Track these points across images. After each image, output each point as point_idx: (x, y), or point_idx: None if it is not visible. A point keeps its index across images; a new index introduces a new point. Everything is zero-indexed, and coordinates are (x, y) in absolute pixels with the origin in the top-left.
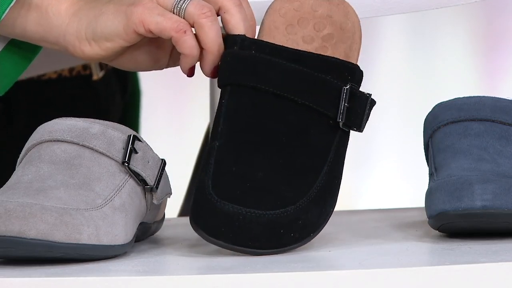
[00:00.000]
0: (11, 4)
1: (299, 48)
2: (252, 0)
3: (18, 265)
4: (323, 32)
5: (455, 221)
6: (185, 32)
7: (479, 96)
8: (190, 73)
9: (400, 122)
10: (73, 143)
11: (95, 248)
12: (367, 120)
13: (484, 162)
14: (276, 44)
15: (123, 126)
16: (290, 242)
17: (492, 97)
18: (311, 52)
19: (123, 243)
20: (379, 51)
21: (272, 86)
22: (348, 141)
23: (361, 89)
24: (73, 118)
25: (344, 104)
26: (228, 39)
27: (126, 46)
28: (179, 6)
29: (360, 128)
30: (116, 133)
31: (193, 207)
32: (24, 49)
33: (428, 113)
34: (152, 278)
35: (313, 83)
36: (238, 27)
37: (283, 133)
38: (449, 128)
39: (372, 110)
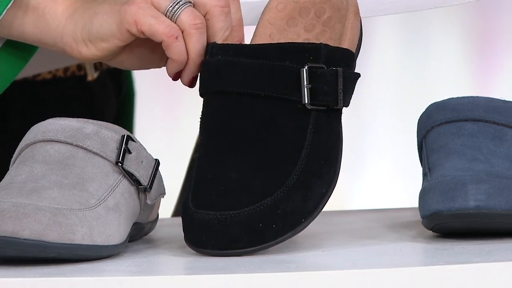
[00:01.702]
0: (8, 6)
1: (301, 38)
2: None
3: (12, 265)
4: (323, 17)
5: (448, 221)
6: (176, 38)
7: (472, 96)
8: (176, 77)
9: (393, 122)
10: (66, 143)
11: (88, 248)
12: (350, 94)
13: (478, 162)
14: (240, 44)
15: (117, 126)
16: (276, 234)
17: (485, 97)
18: (269, 43)
19: (116, 243)
20: (373, 51)
21: (235, 86)
22: (337, 120)
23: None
24: (66, 118)
25: (305, 85)
26: (206, 49)
27: (121, 45)
28: (173, 11)
29: (337, 104)
30: (110, 133)
31: (182, 226)
32: (21, 49)
33: (422, 113)
34: (146, 278)
35: (271, 73)
36: (215, 36)
37: (252, 129)
38: (443, 128)
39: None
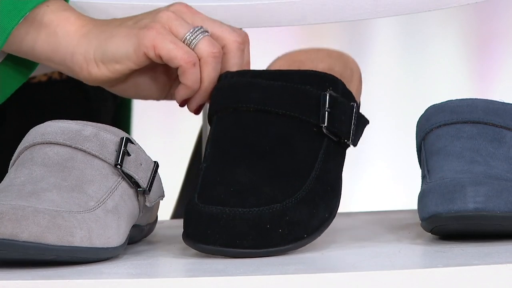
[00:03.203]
0: (18, 23)
1: None
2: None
3: (11, 267)
4: None
5: (447, 224)
6: (194, 64)
7: (471, 99)
8: (183, 103)
9: (393, 124)
10: (65, 145)
11: (87, 250)
12: (359, 134)
13: (477, 164)
14: (257, 70)
15: (116, 128)
16: (279, 240)
17: (484, 99)
18: (290, 69)
19: (115, 246)
20: (372, 54)
21: (253, 104)
22: (342, 157)
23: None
24: (65, 120)
25: (324, 109)
26: (219, 78)
27: (134, 69)
28: (191, 38)
29: (349, 138)
30: (109, 135)
31: (183, 222)
32: (21, 64)
33: (421, 116)
34: (145, 281)
35: (292, 94)
36: (231, 70)
37: (266, 143)
38: (442, 131)
39: (366, 127)
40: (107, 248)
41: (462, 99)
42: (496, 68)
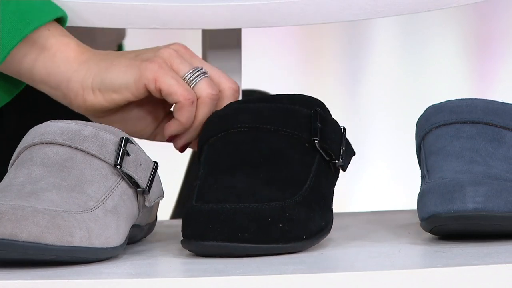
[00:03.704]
0: (20, 42)
1: None
2: None
3: (10, 267)
4: None
5: (447, 223)
6: (192, 103)
7: (471, 99)
8: (171, 139)
9: (392, 124)
10: (65, 145)
11: (87, 250)
12: (348, 160)
13: (476, 164)
14: (243, 98)
15: (115, 128)
16: (280, 236)
17: (484, 99)
18: (278, 94)
19: (115, 246)
20: (372, 54)
21: (244, 124)
22: (333, 180)
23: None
24: (65, 120)
25: (316, 124)
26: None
27: (130, 100)
28: (192, 77)
29: (339, 158)
30: (108, 135)
31: (182, 226)
32: (9, 82)
33: (420, 115)
34: (144, 281)
35: (283, 112)
36: None
37: (260, 156)
38: (441, 131)
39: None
40: (107, 248)
41: (461, 99)
42: (496, 68)
